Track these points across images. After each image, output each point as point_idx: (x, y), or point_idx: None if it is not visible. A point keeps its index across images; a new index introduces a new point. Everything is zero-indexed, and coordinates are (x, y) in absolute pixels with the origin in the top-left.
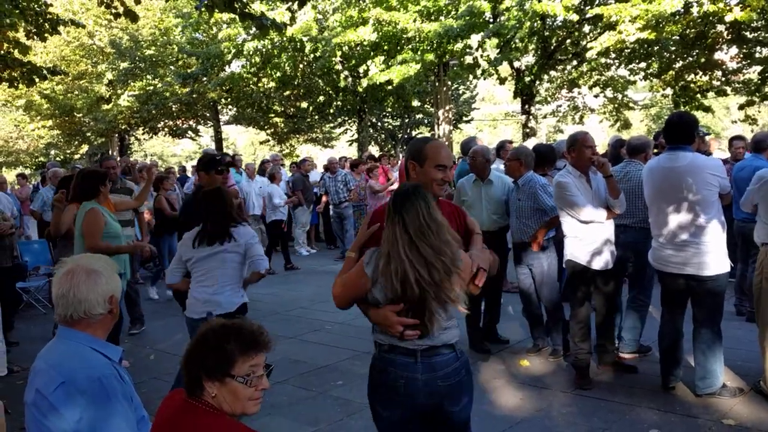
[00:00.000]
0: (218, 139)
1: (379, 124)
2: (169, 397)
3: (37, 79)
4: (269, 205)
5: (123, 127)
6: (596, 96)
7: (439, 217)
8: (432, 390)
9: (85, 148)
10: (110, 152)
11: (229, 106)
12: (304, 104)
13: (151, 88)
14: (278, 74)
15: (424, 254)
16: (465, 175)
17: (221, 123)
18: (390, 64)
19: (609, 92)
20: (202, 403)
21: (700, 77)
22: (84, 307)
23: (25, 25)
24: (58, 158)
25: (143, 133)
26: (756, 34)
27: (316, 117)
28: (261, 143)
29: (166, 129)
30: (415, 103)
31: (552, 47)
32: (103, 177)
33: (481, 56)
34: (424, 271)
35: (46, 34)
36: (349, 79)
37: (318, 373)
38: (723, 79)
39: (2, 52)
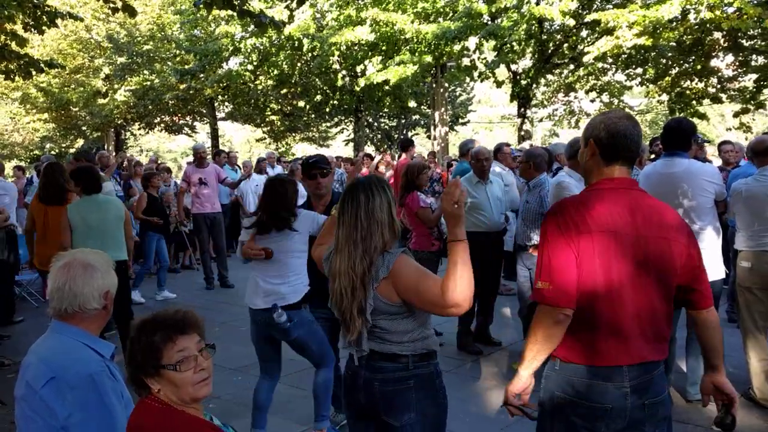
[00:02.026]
0: (214, 136)
1: (376, 124)
2: (140, 400)
3: (33, 72)
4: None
5: (119, 122)
6: (592, 101)
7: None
8: (370, 390)
9: (80, 142)
10: (106, 147)
11: (226, 103)
12: (301, 103)
13: (148, 83)
14: (276, 72)
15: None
16: (463, 176)
17: (217, 120)
18: (387, 64)
19: (605, 97)
20: (152, 400)
21: (696, 84)
22: (79, 301)
23: (22, 17)
24: (53, 152)
25: (139, 129)
26: (752, 42)
27: (313, 116)
28: (257, 141)
29: (162, 125)
30: (412, 104)
31: (549, 51)
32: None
33: (478, 59)
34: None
35: (43, 27)
36: (347, 79)
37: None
38: (718, 86)
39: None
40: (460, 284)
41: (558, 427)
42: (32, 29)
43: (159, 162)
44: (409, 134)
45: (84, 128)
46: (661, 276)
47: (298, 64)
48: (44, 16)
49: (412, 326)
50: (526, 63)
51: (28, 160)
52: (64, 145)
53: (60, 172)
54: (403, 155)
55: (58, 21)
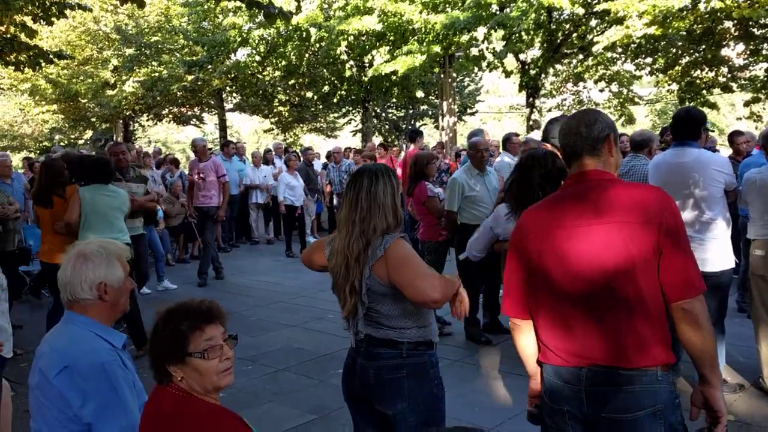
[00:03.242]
0: (222, 127)
1: (383, 114)
2: (155, 386)
3: (42, 63)
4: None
5: (127, 113)
6: (601, 90)
7: (381, 198)
8: (365, 378)
9: (89, 133)
10: (114, 138)
11: (234, 94)
12: (309, 93)
13: (156, 74)
14: (283, 63)
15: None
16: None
17: (225, 111)
18: (395, 54)
19: (614, 87)
20: (173, 388)
21: (706, 73)
22: (69, 290)
23: (31, 9)
24: (62, 143)
25: (147, 120)
26: (763, 31)
27: (320, 106)
28: (265, 132)
29: (170, 116)
30: (419, 94)
31: (558, 41)
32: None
33: (487, 48)
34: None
35: (52, 18)
36: (354, 69)
37: (319, 361)
38: (729, 75)
39: (9, 35)
40: (445, 287)
41: None
42: (41, 20)
43: (167, 153)
44: (417, 124)
45: (93, 119)
46: (606, 267)
47: (306, 55)
48: (53, 7)
49: (409, 311)
50: (534, 53)
51: (38, 152)
52: (73, 137)
53: (52, 172)
54: (411, 146)
55: (67, 12)
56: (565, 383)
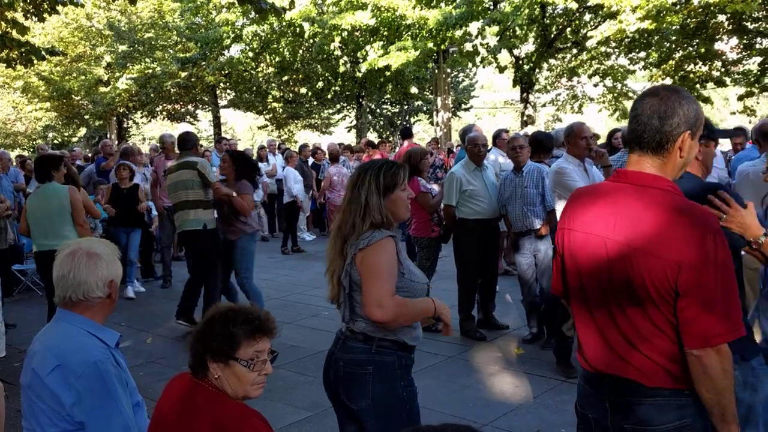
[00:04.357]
0: (216, 124)
1: (378, 110)
2: (176, 377)
3: (35, 60)
4: (285, 187)
5: (121, 111)
6: (595, 85)
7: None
8: (336, 369)
9: (83, 131)
10: (108, 135)
11: (228, 91)
12: (303, 90)
13: (150, 71)
14: (277, 59)
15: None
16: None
17: (219, 107)
18: (389, 50)
19: (608, 81)
20: (206, 383)
21: (700, 67)
22: (83, 290)
23: (23, 5)
24: (56, 141)
25: (141, 117)
26: (756, 25)
27: (315, 103)
28: (259, 128)
29: (164, 113)
30: (414, 89)
31: (552, 35)
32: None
33: (481, 44)
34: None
35: (44, 14)
36: (348, 65)
37: (314, 358)
38: (723, 69)
39: (0, 32)
40: (399, 311)
41: None
42: (33, 17)
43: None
44: (412, 120)
45: (86, 117)
46: (629, 289)
47: (300, 51)
48: (45, 3)
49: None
50: (528, 48)
51: (31, 149)
52: (66, 134)
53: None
54: (405, 142)
55: (59, 8)
56: (591, 390)
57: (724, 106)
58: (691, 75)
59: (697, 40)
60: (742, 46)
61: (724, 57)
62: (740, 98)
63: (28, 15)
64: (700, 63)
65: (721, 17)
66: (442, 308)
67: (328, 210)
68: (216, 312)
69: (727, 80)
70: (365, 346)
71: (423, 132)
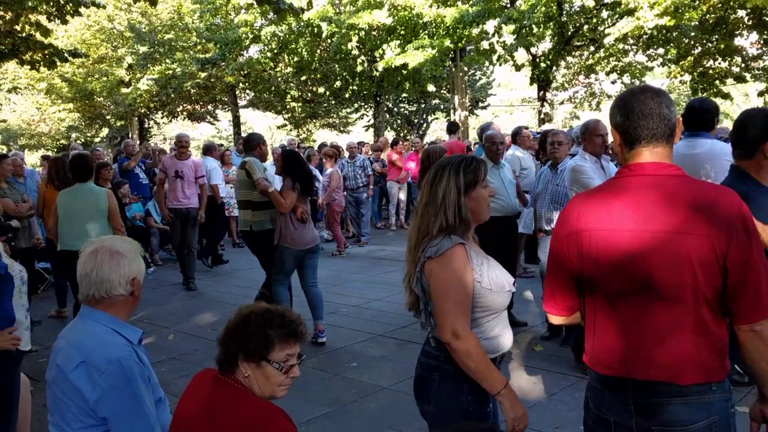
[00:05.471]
0: (236, 124)
1: (395, 109)
2: (200, 373)
3: (58, 62)
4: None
5: (142, 111)
6: (613, 82)
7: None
8: (416, 369)
9: (105, 131)
10: (130, 135)
11: (247, 91)
12: (321, 89)
13: (170, 72)
14: (295, 59)
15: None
16: None
17: (239, 107)
18: (406, 48)
19: (626, 78)
20: (232, 380)
21: (719, 63)
22: (106, 287)
23: (46, 7)
24: (79, 141)
25: (162, 117)
26: None
27: (333, 102)
28: (278, 128)
29: (184, 113)
30: (431, 88)
31: (569, 33)
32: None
33: (498, 42)
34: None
35: (67, 17)
36: (366, 64)
37: (333, 355)
38: (742, 65)
39: (24, 34)
40: (471, 353)
41: None
42: (56, 19)
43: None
44: (429, 119)
45: (108, 117)
46: (667, 279)
47: (318, 51)
48: (68, 5)
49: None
50: (545, 45)
51: (55, 150)
52: (89, 135)
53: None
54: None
55: (81, 10)
56: (611, 393)
57: (744, 102)
58: (711, 71)
59: (717, 36)
60: (762, 42)
61: (744, 53)
62: (761, 94)
63: (51, 17)
64: (720, 59)
65: (741, 12)
66: (509, 407)
67: (330, 210)
68: (252, 311)
69: (747, 76)
70: (436, 352)
71: (440, 130)
